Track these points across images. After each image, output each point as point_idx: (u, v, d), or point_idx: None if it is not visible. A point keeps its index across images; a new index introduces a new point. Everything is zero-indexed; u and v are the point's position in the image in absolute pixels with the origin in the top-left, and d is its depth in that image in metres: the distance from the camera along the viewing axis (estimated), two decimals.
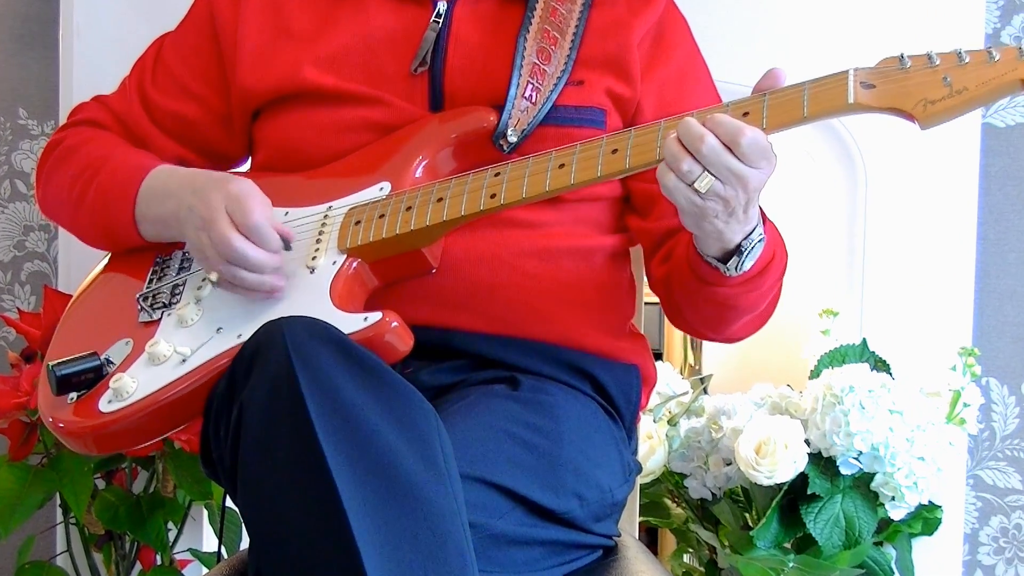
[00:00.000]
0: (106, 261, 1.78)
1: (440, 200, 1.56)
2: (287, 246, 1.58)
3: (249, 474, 1.33)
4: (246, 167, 1.81)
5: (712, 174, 1.43)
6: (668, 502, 2.49)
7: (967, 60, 1.41)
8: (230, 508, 1.95)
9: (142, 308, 1.64)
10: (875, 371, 2.30)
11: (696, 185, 1.43)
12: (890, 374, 2.35)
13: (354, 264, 1.58)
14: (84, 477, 2.13)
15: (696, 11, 1.87)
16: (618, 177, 1.58)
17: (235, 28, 1.74)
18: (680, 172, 1.43)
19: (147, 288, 1.67)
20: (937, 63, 1.41)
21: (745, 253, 1.53)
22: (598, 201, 1.71)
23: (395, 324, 1.49)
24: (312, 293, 1.55)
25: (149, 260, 1.71)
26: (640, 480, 2.10)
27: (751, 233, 1.52)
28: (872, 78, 1.43)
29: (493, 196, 1.55)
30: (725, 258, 1.54)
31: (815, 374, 2.37)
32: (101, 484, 2.26)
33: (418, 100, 1.68)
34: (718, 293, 1.59)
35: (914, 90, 1.41)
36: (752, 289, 1.59)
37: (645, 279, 1.81)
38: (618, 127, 1.69)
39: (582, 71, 1.68)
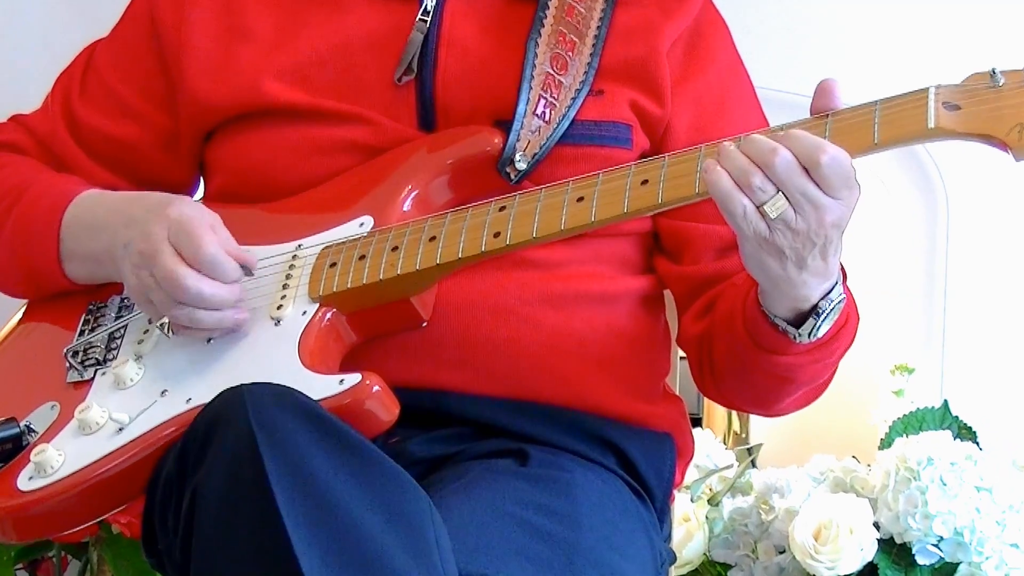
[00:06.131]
0: (26, 307, 1.78)
1: (433, 239, 1.56)
2: (248, 272, 1.59)
3: (205, 572, 1.32)
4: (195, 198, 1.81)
5: (785, 197, 1.42)
6: None
7: None
8: None
9: (71, 365, 1.64)
10: (959, 440, 2.31)
11: (766, 208, 1.42)
12: (976, 443, 2.36)
13: (328, 315, 1.58)
14: (4, 568, 2.13)
15: (738, 6, 1.87)
16: (649, 214, 1.58)
17: (179, 29, 1.74)
18: (749, 188, 1.42)
19: (77, 340, 1.67)
20: None
21: (823, 316, 1.52)
22: (625, 235, 1.71)
23: (377, 388, 1.49)
24: (277, 350, 1.55)
25: (80, 306, 1.71)
26: (675, 572, 2.09)
27: (831, 291, 1.51)
28: (957, 97, 1.43)
29: (497, 235, 1.55)
30: (797, 320, 1.53)
31: (886, 443, 2.38)
32: None
33: (404, 116, 1.68)
34: (779, 363, 1.58)
35: (1008, 113, 1.41)
36: (819, 359, 1.59)
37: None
38: (644, 148, 1.69)
39: (602, 80, 1.68)
